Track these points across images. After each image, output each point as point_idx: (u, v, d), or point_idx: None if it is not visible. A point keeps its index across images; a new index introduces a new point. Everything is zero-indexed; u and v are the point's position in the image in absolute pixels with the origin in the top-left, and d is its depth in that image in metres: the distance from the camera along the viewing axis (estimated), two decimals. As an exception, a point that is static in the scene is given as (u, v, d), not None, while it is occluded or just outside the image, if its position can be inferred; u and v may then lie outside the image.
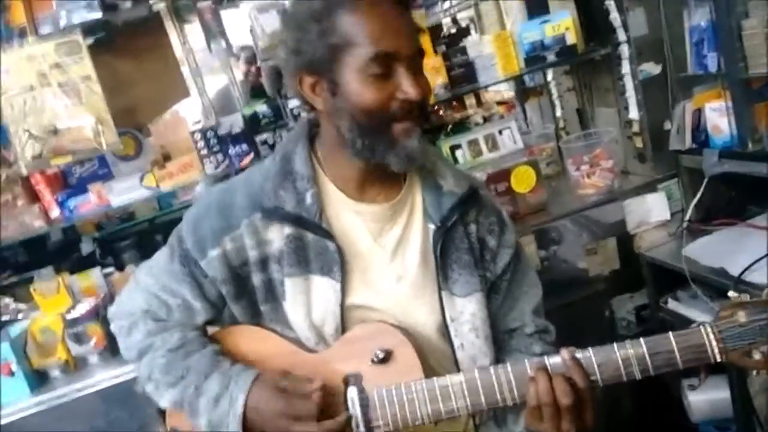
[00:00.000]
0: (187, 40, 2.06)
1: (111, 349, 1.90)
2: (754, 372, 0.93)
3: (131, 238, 3.29)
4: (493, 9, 2.35)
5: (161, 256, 1.15)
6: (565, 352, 0.96)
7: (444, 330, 1.09)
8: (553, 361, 0.97)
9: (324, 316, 1.06)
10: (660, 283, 2.00)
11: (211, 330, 1.18)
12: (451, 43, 2.28)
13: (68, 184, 2.07)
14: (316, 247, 1.06)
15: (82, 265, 2.29)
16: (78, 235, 3.20)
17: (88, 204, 1.97)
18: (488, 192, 1.28)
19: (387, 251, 1.09)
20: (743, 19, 1.70)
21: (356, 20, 0.95)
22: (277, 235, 1.07)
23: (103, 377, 1.83)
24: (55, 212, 1.97)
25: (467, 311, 1.09)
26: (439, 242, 1.08)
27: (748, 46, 1.70)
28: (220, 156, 1.97)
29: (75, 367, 1.90)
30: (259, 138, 2.00)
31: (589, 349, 0.97)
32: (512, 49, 2.12)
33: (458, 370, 1.08)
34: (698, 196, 1.96)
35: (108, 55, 1.89)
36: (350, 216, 1.09)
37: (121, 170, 2.08)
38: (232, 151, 1.97)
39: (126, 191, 1.97)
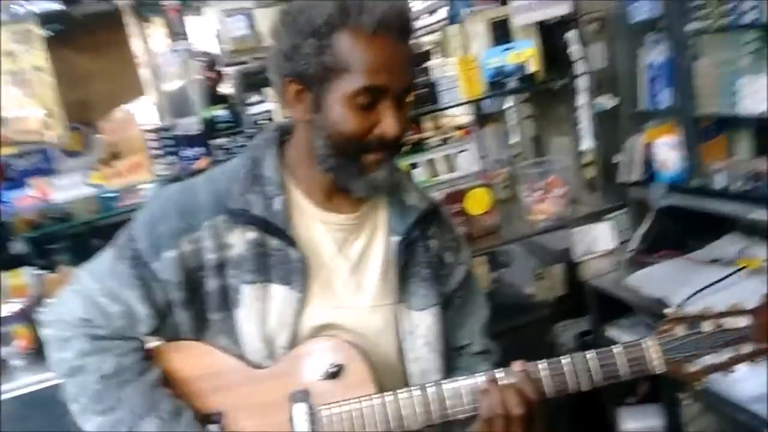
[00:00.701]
0: (147, 40, 2.02)
1: (37, 352, 1.81)
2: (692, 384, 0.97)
3: (66, 240, 3.18)
4: (458, 33, 2.39)
5: (106, 257, 1.08)
6: (516, 365, 0.97)
7: (398, 343, 1.08)
8: (504, 374, 0.98)
9: (278, 327, 1.03)
10: (603, 311, 2.05)
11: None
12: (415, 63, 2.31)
13: (6, 177, 1.97)
14: (279, 254, 1.03)
15: (12, 264, 2.18)
16: (10, 233, 3.07)
17: (27, 198, 1.89)
18: (447, 211, 1.29)
19: (350, 262, 1.08)
20: (697, 59, 1.79)
21: (355, 47, 0.93)
22: (239, 240, 1.04)
23: (27, 382, 1.75)
24: (-10, 204, 1.88)
25: (423, 325, 1.09)
26: (402, 255, 1.08)
27: (700, 85, 1.78)
28: (172, 158, 1.91)
29: (-2, 370, 1.80)
30: (215, 142, 1.96)
31: (538, 362, 0.98)
32: (475, 73, 2.16)
33: (408, 384, 1.07)
34: (644, 227, 2.03)
35: (65, 48, 1.83)
36: (316, 225, 1.07)
37: (66, 166, 2.00)
38: (184, 153, 1.92)
39: (69, 188, 1.90)
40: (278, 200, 1.03)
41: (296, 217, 1.06)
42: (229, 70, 2.34)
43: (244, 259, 1.03)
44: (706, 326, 0.96)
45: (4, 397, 1.70)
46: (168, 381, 1.06)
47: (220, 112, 2.06)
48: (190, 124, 1.98)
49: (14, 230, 3.03)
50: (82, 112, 2.01)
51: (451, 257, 1.15)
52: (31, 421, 1.71)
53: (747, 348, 0.95)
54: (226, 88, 2.37)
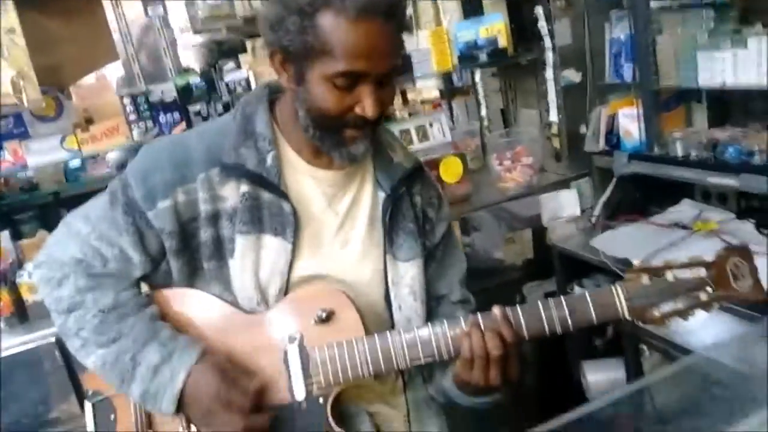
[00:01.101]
0: (120, 3, 2.00)
1: (19, 314, 1.82)
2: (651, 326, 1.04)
3: (33, 210, 3.12)
4: (430, 7, 2.44)
5: (99, 203, 1.10)
6: (496, 309, 1.03)
7: (385, 292, 1.14)
8: (486, 318, 1.04)
9: (271, 276, 1.08)
10: (568, 272, 2.15)
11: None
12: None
13: None
14: (272, 207, 1.07)
15: None
16: (-26, 202, 3.00)
17: (2, 162, 1.86)
18: (429, 170, 1.35)
19: (339, 216, 1.13)
20: (657, 35, 1.89)
21: (336, 31, 0.94)
22: (233, 192, 1.07)
23: (9, 344, 1.75)
24: (-38, 168, 1.85)
25: (408, 275, 1.14)
26: (389, 209, 1.13)
27: (660, 60, 1.88)
28: (149, 122, 1.92)
29: (-25, 333, 1.79)
30: (192, 108, 1.96)
31: (518, 306, 1.05)
32: (447, 46, 2.21)
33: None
34: (607, 194, 2.15)
35: (36, 11, 1.79)
36: (307, 180, 1.11)
37: (38, 131, 1.98)
38: (162, 118, 1.93)
39: (45, 152, 1.88)
40: (271, 155, 1.07)
41: (287, 172, 1.10)
42: (202, 37, 2.33)
43: (237, 211, 1.06)
44: (669, 276, 1.03)
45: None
46: (165, 320, 1.09)
47: (194, 78, 2.05)
48: (166, 91, 1.97)
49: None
50: (54, 77, 1.98)
51: (433, 213, 1.21)
52: (11, 384, 1.72)
53: (704, 296, 1.02)
54: (201, 55, 2.35)
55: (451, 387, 1.13)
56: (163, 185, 1.05)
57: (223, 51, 2.30)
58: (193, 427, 1.07)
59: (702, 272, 1.03)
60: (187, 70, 2.22)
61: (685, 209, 2.08)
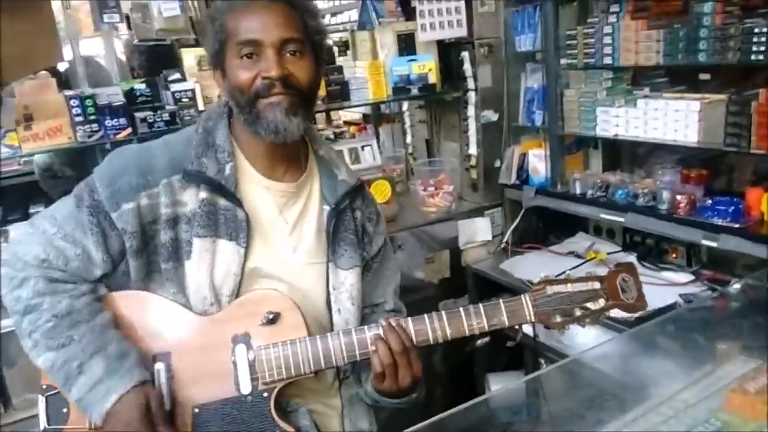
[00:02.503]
0: (70, 3, 2.03)
1: None
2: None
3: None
4: (368, 40, 2.62)
5: (65, 205, 1.17)
6: (390, 320, 1.17)
7: (326, 297, 1.25)
8: (387, 329, 1.16)
9: (225, 277, 1.17)
10: (480, 291, 2.38)
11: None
12: (329, 62, 2.50)
13: None
14: (227, 213, 1.17)
15: None
16: None
17: (-63, 153, 1.83)
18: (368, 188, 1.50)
19: (288, 224, 1.23)
20: (565, 89, 2.16)
21: (233, 18, 1.14)
22: (192, 198, 1.16)
23: None
24: None
25: (348, 282, 1.26)
26: (332, 221, 1.25)
27: (566, 110, 2.16)
28: (95, 125, 1.95)
29: None
30: (138, 115, 2.01)
31: (443, 312, 1.18)
32: (383, 78, 2.40)
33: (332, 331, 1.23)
34: (515, 222, 2.40)
35: (-21, 6, 1.78)
36: (260, 190, 1.22)
37: None
38: (108, 122, 1.97)
39: None
40: (229, 166, 1.18)
41: (243, 182, 1.20)
42: (147, 46, 2.37)
43: (196, 215, 1.15)
44: (569, 287, 1.19)
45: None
46: (118, 326, 1.15)
47: (140, 85, 2.08)
48: (113, 95, 2.01)
49: None
50: (-4, 72, 1.97)
51: (372, 227, 1.34)
52: None
53: (598, 305, 1.19)
54: (147, 63, 2.39)
55: (372, 392, 1.24)
56: (128, 189, 1.14)
57: (165, 60, 2.33)
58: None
59: (596, 285, 1.19)
60: (132, 77, 2.26)
61: (579, 240, 2.37)
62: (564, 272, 2.06)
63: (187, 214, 1.16)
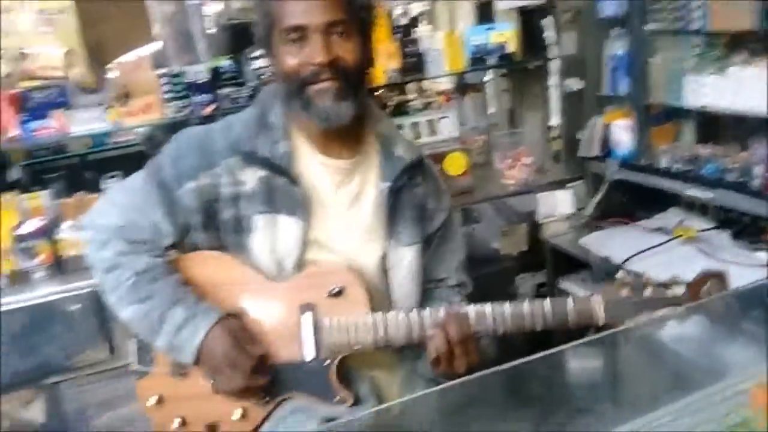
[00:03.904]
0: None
1: (57, 266, 1.98)
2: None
3: (60, 170, 3.29)
4: (446, 10, 2.58)
5: (137, 179, 1.26)
6: (452, 308, 1.19)
7: (385, 273, 1.28)
8: (448, 317, 1.18)
9: (286, 251, 1.22)
10: (558, 266, 2.32)
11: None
12: (405, 33, 2.49)
13: (26, 108, 2.10)
14: (284, 190, 1.22)
15: (8, 190, 2.31)
16: (6, 162, 3.17)
17: (48, 129, 2.02)
18: (431, 162, 1.48)
19: (345, 201, 1.26)
20: (651, 56, 2.04)
21: (278, 2, 1.13)
22: (251, 177, 1.22)
23: (48, 291, 1.92)
24: (13, 132, 2.01)
25: (406, 259, 1.28)
26: (390, 198, 1.26)
27: (653, 78, 2.04)
28: (183, 102, 2.08)
29: (20, 280, 1.96)
30: (222, 92, 2.11)
31: (506, 303, 1.19)
32: (459, 49, 2.35)
33: (392, 308, 1.26)
34: (598, 196, 2.31)
35: (85, -9, 1.95)
36: (316, 167, 1.25)
37: (80, 102, 2.12)
38: (195, 98, 2.09)
39: (87, 121, 2.03)
40: (283, 144, 1.21)
41: (300, 159, 1.23)
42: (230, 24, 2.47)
43: (255, 194, 1.21)
44: (648, 292, 1.13)
45: (28, 304, 1.88)
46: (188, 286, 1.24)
47: (224, 62, 2.17)
48: (199, 72, 2.12)
49: (11, 159, 3.16)
50: (98, 53, 2.14)
51: (433, 203, 1.33)
52: (49, 328, 1.90)
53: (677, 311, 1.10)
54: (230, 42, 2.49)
55: (429, 372, 1.26)
56: (190, 169, 1.21)
57: (250, 37, 2.43)
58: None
59: (678, 292, 1.12)
60: (218, 54, 2.37)
61: (669, 216, 2.23)
62: (646, 249, 1.98)
63: (247, 192, 1.22)
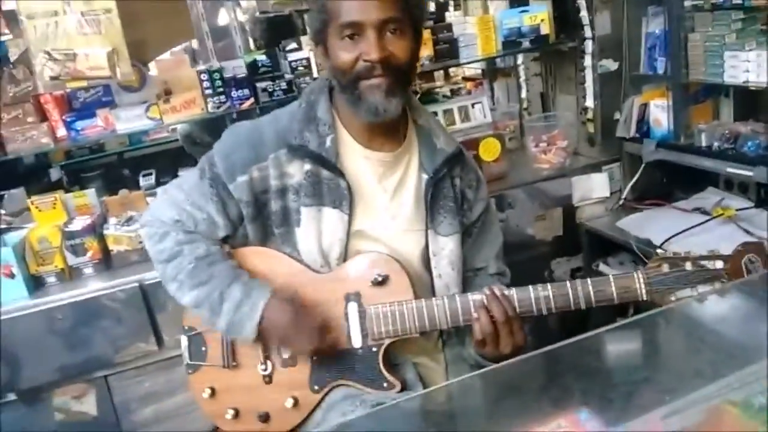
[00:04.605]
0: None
1: (105, 262, 2.06)
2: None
3: (99, 169, 3.39)
4: (480, -5, 2.57)
5: (191, 176, 1.32)
6: (495, 289, 1.22)
7: (426, 262, 1.31)
8: (490, 298, 1.21)
9: (332, 242, 1.26)
10: (594, 250, 2.32)
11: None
12: (437, 20, 2.49)
13: (72, 108, 2.17)
14: (330, 183, 1.26)
15: (50, 190, 2.37)
16: (48, 162, 3.28)
17: (95, 127, 2.09)
18: (469, 154, 1.52)
19: (388, 192, 1.30)
20: (690, 33, 2.01)
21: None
22: (298, 170, 1.26)
23: (96, 287, 1.98)
24: (61, 132, 2.08)
25: (447, 248, 1.31)
26: (430, 190, 1.29)
27: (691, 55, 2.01)
28: (222, 97, 2.12)
29: (70, 275, 2.03)
30: (259, 86, 2.16)
31: (548, 284, 1.22)
32: (492, 32, 2.35)
33: (434, 295, 1.30)
34: (635, 178, 2.30)
35: (125, -9, 1.99)
36: (360, 160, 1.29)
37: (123, 100, 2.19)
38: (234, 93, 2.13)
39: (132, 119, 2.10)
40: (329, 138, 1.25)
41: (344, 153, 1.28)
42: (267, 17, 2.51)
43: (302, 186, 1.25)
44: (688, 266, 1.15)
45: (79, 299, 1.96)
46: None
47: (261, 56, 2.21)
48: (237, 67, 2.17)
49: (51, 159, 3.27)
50: (140, 52, 2.19)
51: (472, 194, 1.37)
52: (99, 321, 1.97)
53: (719, 286, 1.13)
54: (266, 36, 2.54)
55: (475, 355, 1.30)
56: (241, 163, 1.26)
57: (284, 30, 2.47)
58: (268, 362, 1.29)
59: (719, 264, 1.14)
60: (254, 48, 2.41)
61: (708, 196, 2.22)
62: (686, 230, 1.97)
63: (294, 185, 1.26)
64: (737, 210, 2.04)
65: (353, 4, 1.15)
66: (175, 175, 2.62)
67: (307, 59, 2.23)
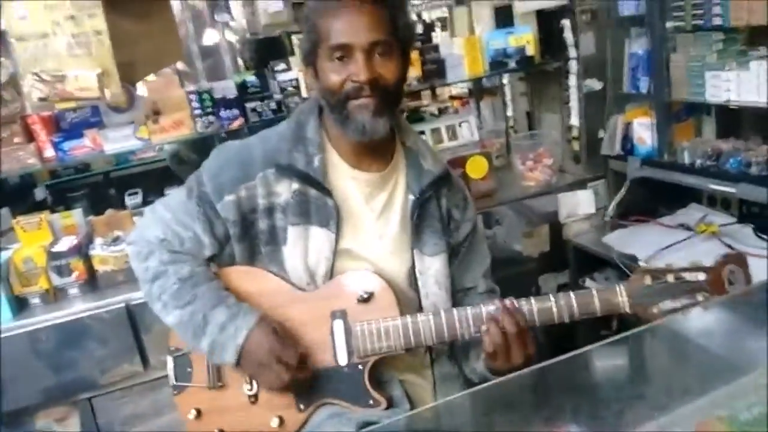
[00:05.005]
0: (187, 5, 2.21)
1: (90, 282, 2.04)
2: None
3: (84, 188, 3.37)
4: (465, 14, 2.61)
5: (178, 194, 1.31)
6: (507, 301, 1.21)
7: (413, 281, 1.31)
8: (498, 310, 1.20)
9: (318, 261, 1.26)
10: (581, 266, 2.35)
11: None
12: (424, 41, 2.53)
13: (60, 128, 2.17)
14: (318, 202, 1.26)
15: (35, 210, 2.37)
16: (33, 182, 3.26)
17: (83, 148, 2.09)
18: (456, 175, 1.53)
19: (374, 212, 1.30)
20: (672, 53, 2.05)
21: (324, 20, 1.18)
22: (285, 189, 1.26)
23: (81, 308, 1.97)
24: (49, 152, 2.08)
25: (433, 267, 1.31)
26: (416, 210, 1.30)
27: (674, 75, 2.05)
28: (211, 117, 2.13)
29: (55, 296, 2.02)
30: (248, 106, 2.17)
31: (531, 298, 1.22)
32: (479, 53, 2.38)
33: None
34: (620, 195, 2.32)
35: (116, 12, 2.00)
36: (348, 180, 1.29)
37: (112, 120, 2.19)
38: (223, 114, 2.14)
39: (120, 140, 2.10)
40: (317, 158, 1.26)
41: (332, 173, 1.28)
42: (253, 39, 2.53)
43: (289, 205, 1.25)
44: (670, 278, 1.15)
45: (63, 320, 1.94)
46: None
47: (250, 77, 2.23)
48: (227, 88, 2.18)
49: (37, 179, 3.25)
50: (129, 72, 2.19)
51: (459, 214, 1.37)
52: (84, 342, 1.95)
53: (701, 298, 1.14)
54: (255, 56, 2.56)
55: (483, 370, 1.29)
56: (229, 182, 1.25)
57: (274, 51, 2.49)
58: (254, 382, 1.27)
59: (700, 276, 1.14)
60: (243, 69, 2.43)
61: (692, 212, 2.25)
62: (670, 245, 2.00)
63: (281, 204, 1.26)
64: (720, 226, 2.07)
65: (342, 26, 1.17)
66: (162, 194, 2.61)
67: (296, 80, 2.25)
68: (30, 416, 1.99)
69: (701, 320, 1.10)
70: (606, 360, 1.03)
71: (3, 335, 1.90)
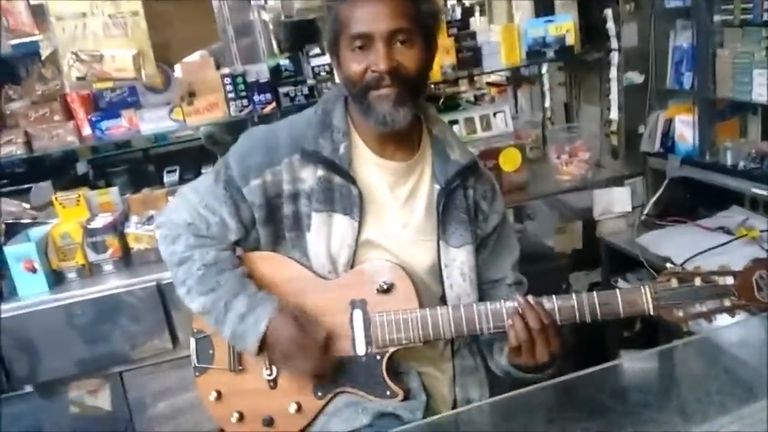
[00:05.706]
0: (225, -11, 2.22)
1: (125, 259, 2.09)
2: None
3: (124, 164, 3.45)
4: (504, 1, 2.56)
5: (206, 179, 1.33)
6: (530, 298, 1.20)
7: (438, 272, 1.30)
8: (523, 306, 1.18)
9: (340, 248, 1.27)
10: (613, 265, 2.28)
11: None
12: (461, 27, 2.48)
13: (98, 107, 2.21)
14: (342, 190, 1.26)
15: (76, 184, 2.46)
16: (76, 157, 3.34)
17: (120, 127, 2.13)
18: (484, 166, 1.50)
19: (399, 201, 1.30)
20: (718, 48, 1.97)
21: (345, 9, 1.17)
22: (310, 175, 1.27)
23: (116, 284, 2.02)
24: (87, 130, 2.13)
25: (458, 259, 1.30)
26: (442, 200, 1.29)
27: (719, 71, 1.97)
28: (245, 101, 2.15)
29: (90, 272, 2.07)
30: (281, 90, 2.17)
31: (554, 296, 1.20)
32: (516, 42, 2.33)
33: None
34: (658, 194, 2.25)
35: (152, -6, 2.02)
36: (373, 168, 1.29)
37: (148, 101, 2.22)
38: (256, 98, 2.15)
39: (155, 120, 2.13)
40: (343, 146, 1.26)
41: (357, 160, 1.28)
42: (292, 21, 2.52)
43: (313, 192, 1.26)
44: (697, 281, 1.13)
45: (97, 295, 1.99)
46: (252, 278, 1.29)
47: (284, 61, 2.22)
48: (260, 72, 2.18)
49: (79, 154, 3.33)
50: (165, 54, 2.22)
51: (487, 205, 1.36)
52: (118, 317, 2.00)
53: (728, 302, 1.12)
54: (290, 39, 2.55)
55: (507, 365, 1.28)
56: (255, 167, 1.26)
57: (308, 35, 2.48)
58: (273, 367, 1.29)
59: (729, 280, 1.12)
60: (277, 53, 2.43)
61: (732, 215, 2.17)
62: (708, 249, 1.93)
63: (306, 190, 1.27)
64: (762, 231, 1.99)
65: (363, 15, 1.16)
66: (199, 173, 2.66)
67: (330, 65, 2.23)
68: (63, 387, 2.05)
69: (721, 340, 1.07)
70: (622, 378, 1.01)
71: (40, 308, 1.97)
